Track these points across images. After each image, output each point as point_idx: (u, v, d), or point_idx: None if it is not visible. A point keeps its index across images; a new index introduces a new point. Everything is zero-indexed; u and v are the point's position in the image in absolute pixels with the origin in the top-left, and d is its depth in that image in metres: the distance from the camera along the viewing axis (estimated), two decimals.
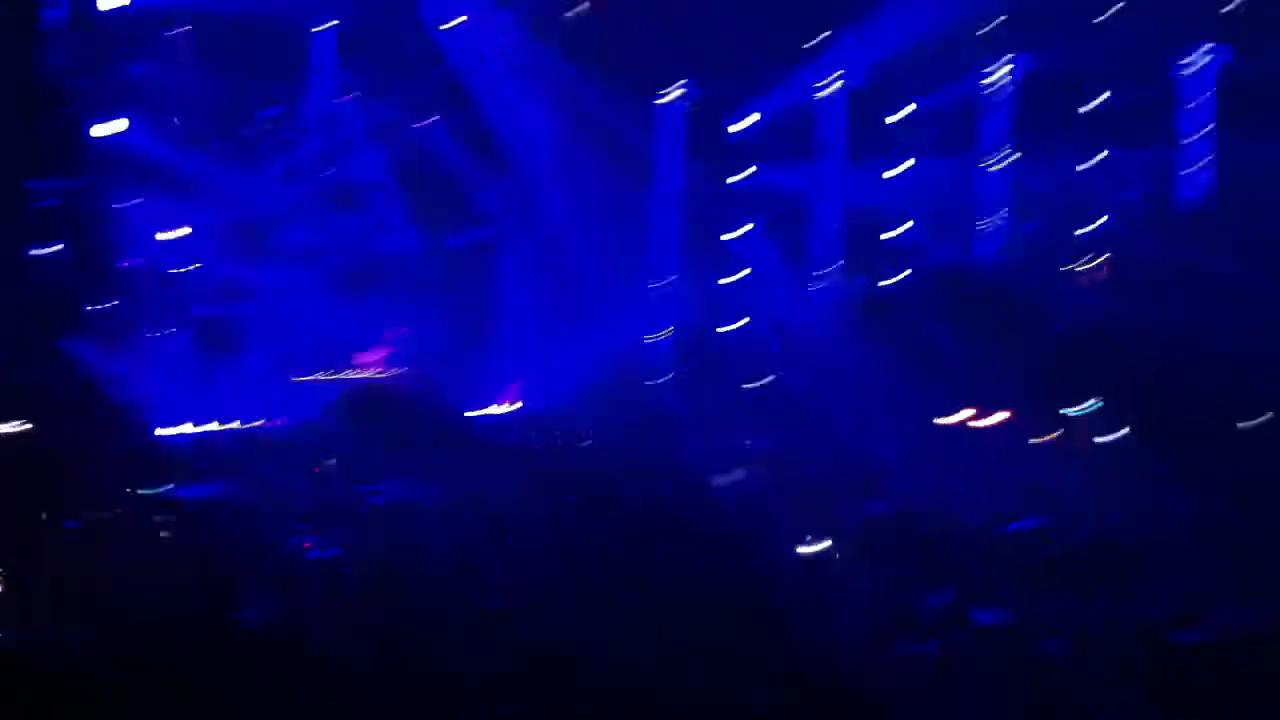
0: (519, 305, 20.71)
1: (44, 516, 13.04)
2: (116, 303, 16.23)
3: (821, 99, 21.68)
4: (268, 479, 15.86)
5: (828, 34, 21.06)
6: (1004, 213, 21.69)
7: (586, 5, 20.88)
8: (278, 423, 17.81)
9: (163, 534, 13.67)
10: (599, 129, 20.83)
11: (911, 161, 21.60)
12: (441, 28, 20.00)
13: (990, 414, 19.31)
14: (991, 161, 21.28)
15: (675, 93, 21.60)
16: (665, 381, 20.48)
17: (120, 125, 16.32)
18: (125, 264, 16.64)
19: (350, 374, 19.74)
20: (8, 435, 14.73)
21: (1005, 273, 20.99)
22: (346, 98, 20.36)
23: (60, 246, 15.62)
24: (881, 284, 21.09)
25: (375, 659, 10.78)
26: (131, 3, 16.22)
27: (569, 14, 20.78)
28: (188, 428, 16.47)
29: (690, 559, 13.63)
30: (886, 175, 21.06)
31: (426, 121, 20.88)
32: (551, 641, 11.36)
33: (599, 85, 20.65)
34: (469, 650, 11.11)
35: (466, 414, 19.05)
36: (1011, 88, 21.49)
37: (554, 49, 20.55)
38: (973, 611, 11.99)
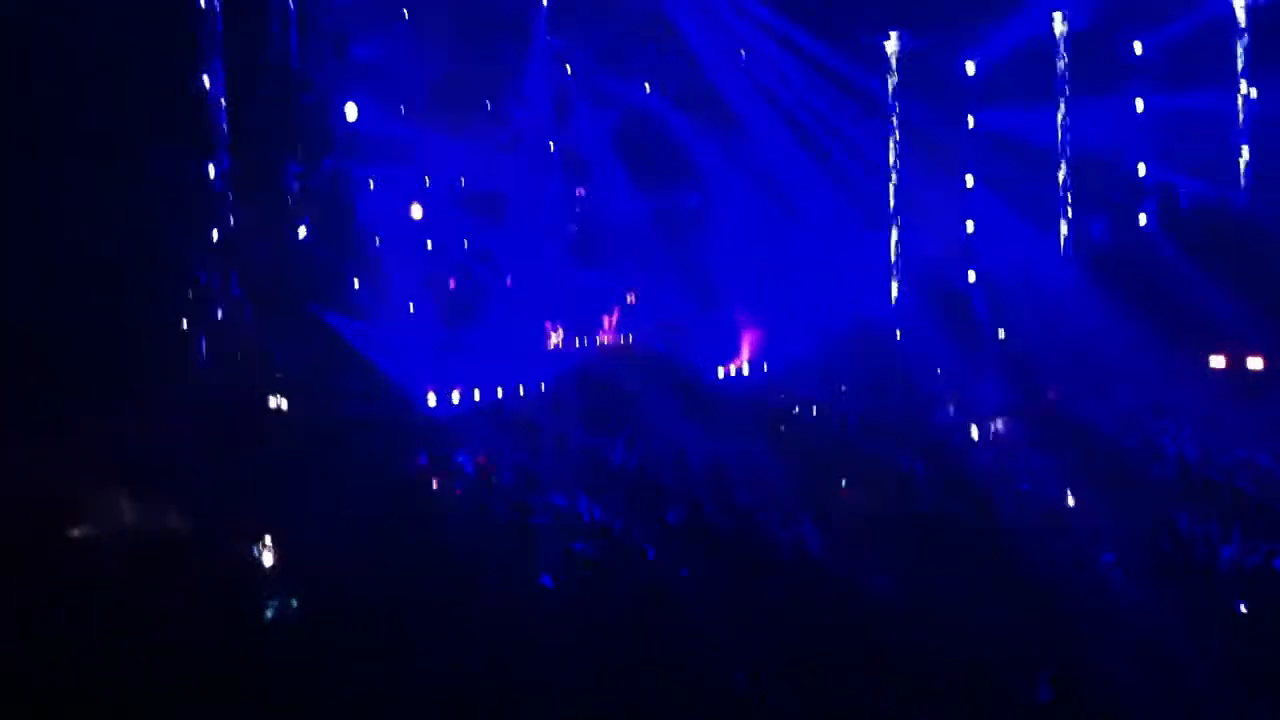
0: (747, 264, 20.59)
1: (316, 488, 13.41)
2: (368, 277, 16.65)
3: (1045, 38, 20.99)
4: (520, 445, 16.19)
5: None
6: (1246, 149, 20.70)
7: None
8: (527, 389, 18.10)
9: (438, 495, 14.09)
10: (819, 81, 20.52)
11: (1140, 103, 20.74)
12: None
13: (1246, 358, 18.52)
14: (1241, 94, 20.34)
15: (894, 40, 21.19)
16: (902, 337, 20.15)
17: (352, 109, 16.69)
18: (375, 240, 17.08)
19: (591, 339, 20.00)
20: (277, 410, 15.32)
21: (1256, 212, 20.01)
22: (566, 68, 20.52)
23: (307, 226, 16.10)
24: (1123, 228, 20.39)
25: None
26: None
27: None
28: (443, 398, 16.85)
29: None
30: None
31: (644, 89, 20.96)
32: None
33: (817, 34, 20.33)
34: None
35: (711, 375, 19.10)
36: (1246, 16, 20.48)
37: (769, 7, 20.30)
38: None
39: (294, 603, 11.41)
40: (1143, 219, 21.06)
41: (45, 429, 11.82)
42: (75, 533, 11.96)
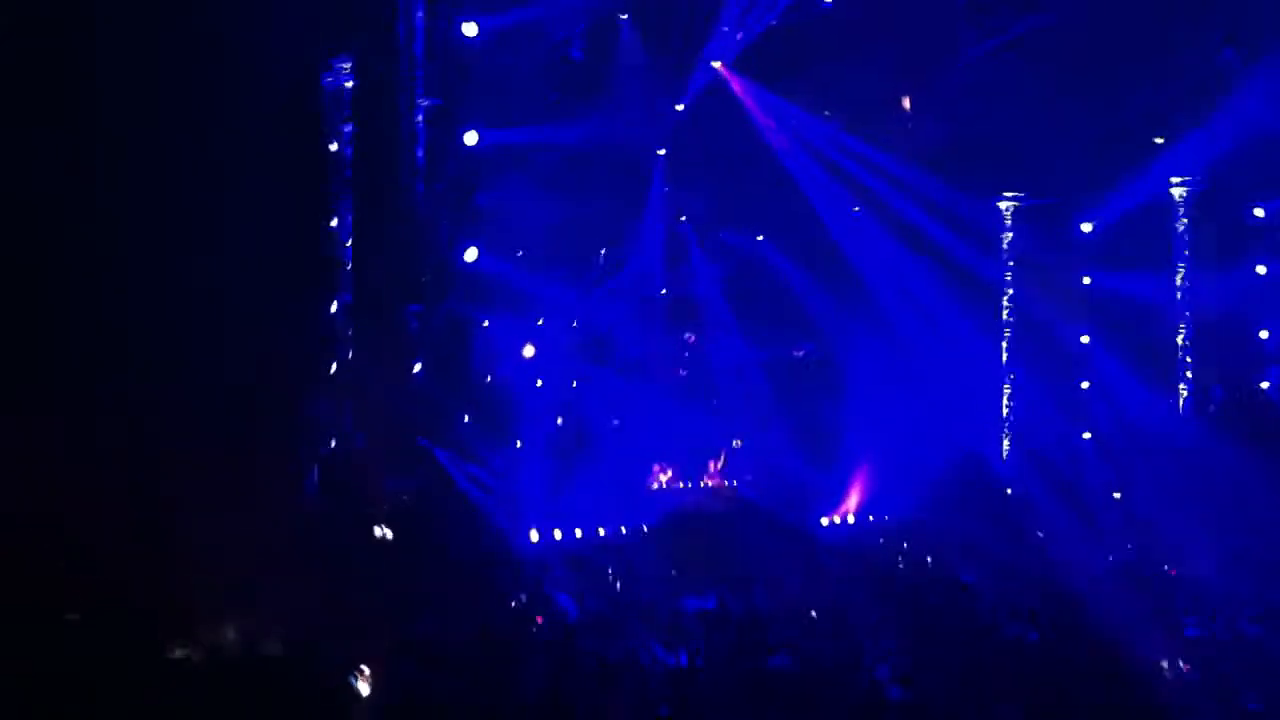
0: (857, 414, 20.56)
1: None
2: (477, 414, 17.00)
3: (1165, 199, 20.92)
4: (622, 586, 16.19)
5: (1169, 134, 20.37)
6: None
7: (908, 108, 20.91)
8: (630, 529, 18.18)
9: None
10: (934, 235, 20.65)
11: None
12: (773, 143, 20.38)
13: None
14: None
15: (1011, 199, 21.30)
16: (1014, 492, 19.83)
17: (472, 252, 17.24)
18: (486, 379, 17.48)
19: (697, 483, 20.07)
20: (382, 539, 15.57)
21: None
22: (680, 218, 20.98)
23: (422, 364, 16.57)
24: (1244, 393, 19.93)
25: None
26: (480, 140, 17.20)
27: (899, 121, 20.84)
28: (548, 534, 17.02)
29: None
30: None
31: (758, 238, 21.29)
32: None
33: (934, 191, 20.52)
34: None
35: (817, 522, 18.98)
36: None
37: (888, 156, 20.58)
38: None
39: None
40: (1265, 385, 20.59)
41: (157, 548, 12.17)
42: (177, 653, 12.19)
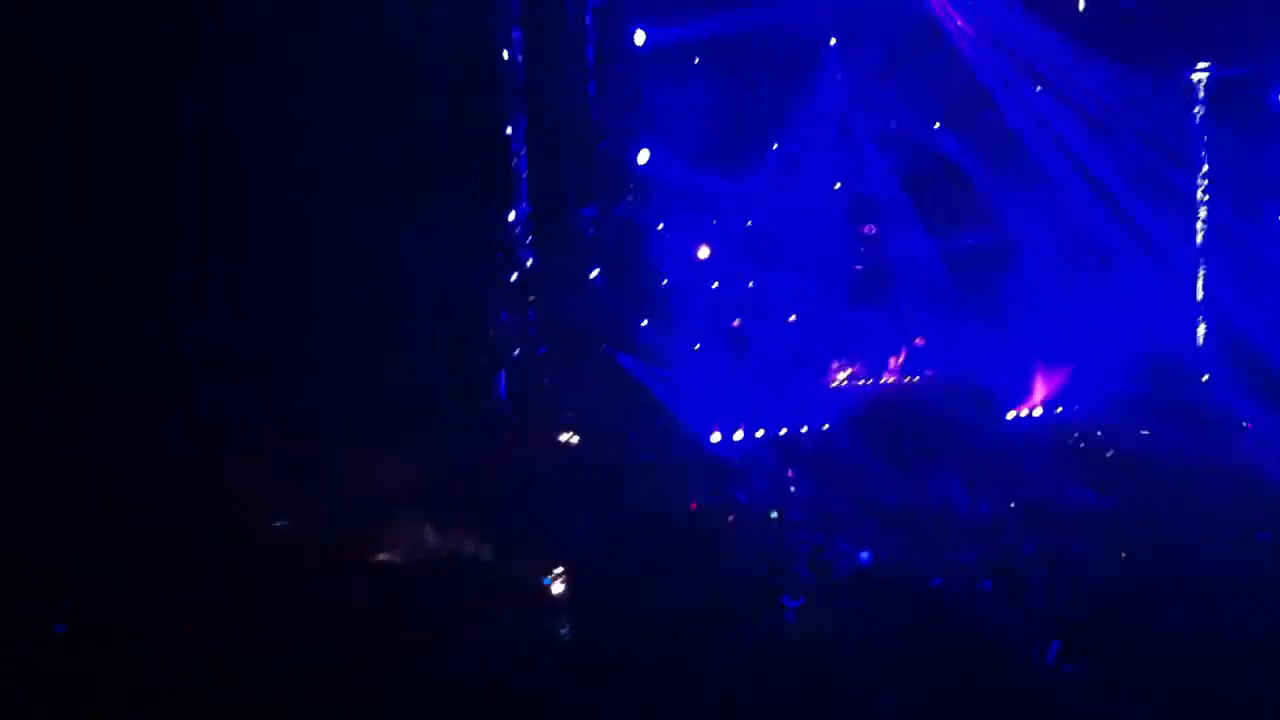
0: (1039, 305, 20.00)
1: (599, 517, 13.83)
2: (656, 318, 17.09)
3: None
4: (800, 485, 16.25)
5: None
6: None
7: None
8: (812, 429, 18.16)
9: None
10: (1113, 116, 19.72)
11: None
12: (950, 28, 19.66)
13: None
14: None
15: (1201, 71, 20.19)
16: (1206, 381, 19.11)
17: (644, 154, 17.17)
18: (663, 281, 17.52)
19: (879, 379, 19.88)
20: (566, 443, 15.88)
21: None
22: (854, 106, 20.48)
23: (600, 269, 16.68)
24: None
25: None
26: (648, 39, 16.99)
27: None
28: (726, 435, 17.13)
29: None
30: None
31: (934, 126, 20.68)
32: None
33: (1114, 70, 19.55)
34: None
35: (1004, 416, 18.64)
36: None
37: (1064, 35, 19.65)
38: None
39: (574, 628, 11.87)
40: None
41: (355, 459, 12.67)
42: (380, 557, 12.72)
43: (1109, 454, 17.86)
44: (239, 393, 12.25)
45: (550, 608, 12.36)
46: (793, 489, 16.25)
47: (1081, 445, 18.40)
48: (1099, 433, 18.54)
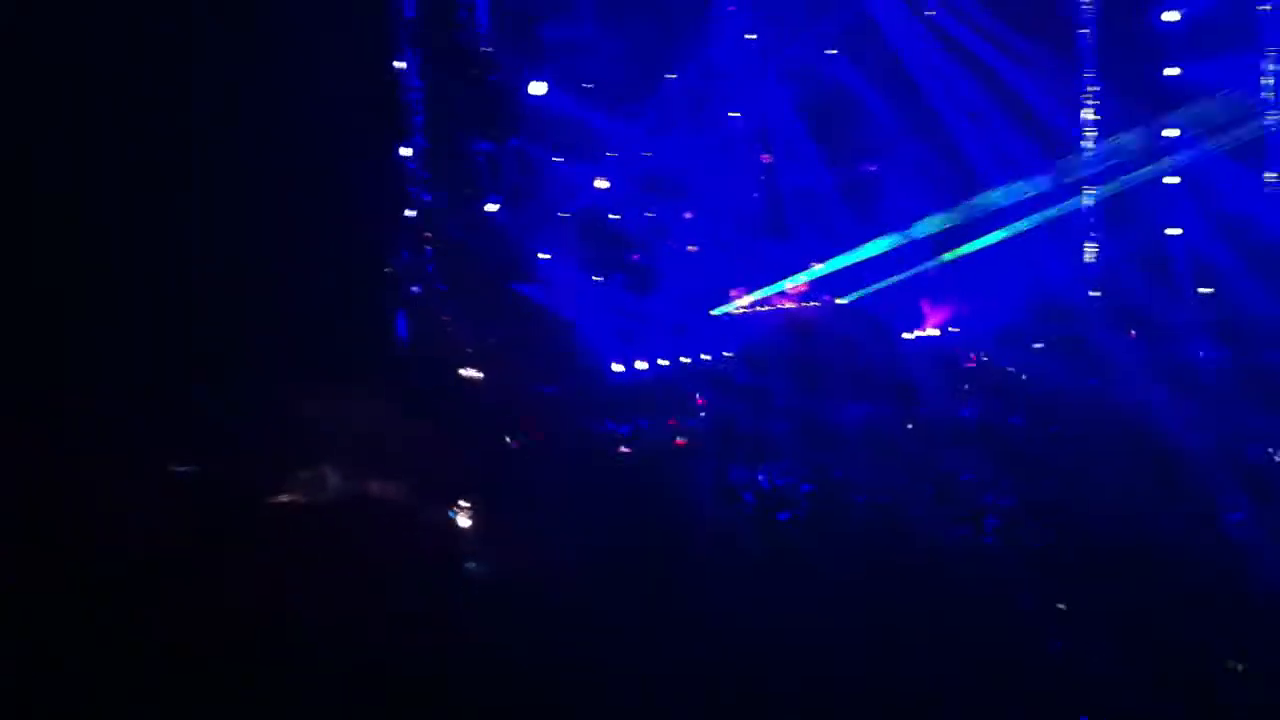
0: (934, 233, 20.26)
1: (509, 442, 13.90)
2: (555, 252, 17.08)
3: None
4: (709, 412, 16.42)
5: None
6: None
7: None
8: (713, 356, 18.32)
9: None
10: (1010, 37, 19.92)
11: None
12: None
13: None
14: None
15: None
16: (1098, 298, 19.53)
17: (540, 87, 17.04)
18: (560, 215, 17.50)
19: (778, 305, 20.05)
20: (473, 379, 15.89)
21: None
22: (750, 39, 20.48)
23: (496, 203, 16.59)
24: None
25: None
26: None
27: None
28: (627, 365, 17.23)
29: None
30: None
31: (830, 54, 20.73)
32: None
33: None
34: None
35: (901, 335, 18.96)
36: None
37: None
38: None
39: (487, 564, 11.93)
40: None
41: (256, 408, 12.56)
42: (285, 500, 12.66)
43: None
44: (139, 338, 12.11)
45: (463, 541, 12.41)
46: (701, 415, 16.41)
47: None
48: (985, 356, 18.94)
